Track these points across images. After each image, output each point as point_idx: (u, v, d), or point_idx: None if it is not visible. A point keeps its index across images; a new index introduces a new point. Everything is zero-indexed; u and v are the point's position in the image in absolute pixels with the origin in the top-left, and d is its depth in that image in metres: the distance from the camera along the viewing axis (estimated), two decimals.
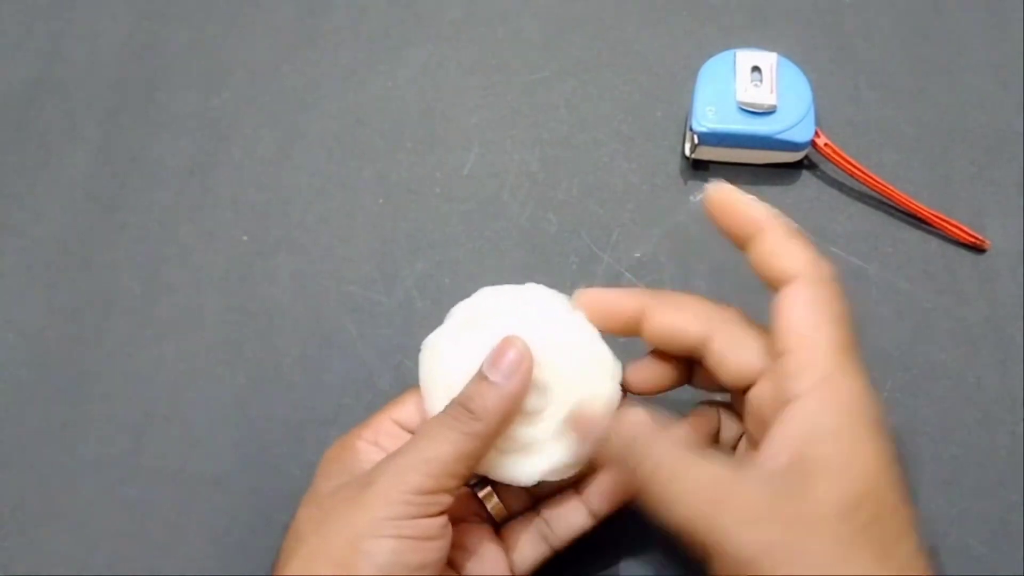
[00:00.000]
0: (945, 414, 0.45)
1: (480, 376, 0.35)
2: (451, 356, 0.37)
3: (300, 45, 0.58)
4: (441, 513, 0.33)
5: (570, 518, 0.38)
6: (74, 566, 0.42)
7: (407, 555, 0.32)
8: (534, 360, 0.36)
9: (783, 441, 0.31)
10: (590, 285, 0.48)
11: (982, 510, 0.42)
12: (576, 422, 0.36)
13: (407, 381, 0.46)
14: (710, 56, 0.53)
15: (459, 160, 0.53)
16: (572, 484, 0.38)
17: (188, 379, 0.47)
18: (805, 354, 0.31)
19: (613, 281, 0.49)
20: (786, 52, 0.53)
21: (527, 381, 0.35)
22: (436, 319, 0.39)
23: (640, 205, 0.51)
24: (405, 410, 0.38)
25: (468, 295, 0.40)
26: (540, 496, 0.39)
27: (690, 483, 0.31)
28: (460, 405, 0.35)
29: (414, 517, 0.32)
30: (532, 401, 0.36)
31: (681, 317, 0.36)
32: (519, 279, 0.49)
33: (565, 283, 0.49)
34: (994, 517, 0.42)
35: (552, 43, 0.58)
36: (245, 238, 0.51)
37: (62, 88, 0.57)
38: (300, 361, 0.47)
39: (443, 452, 0.33)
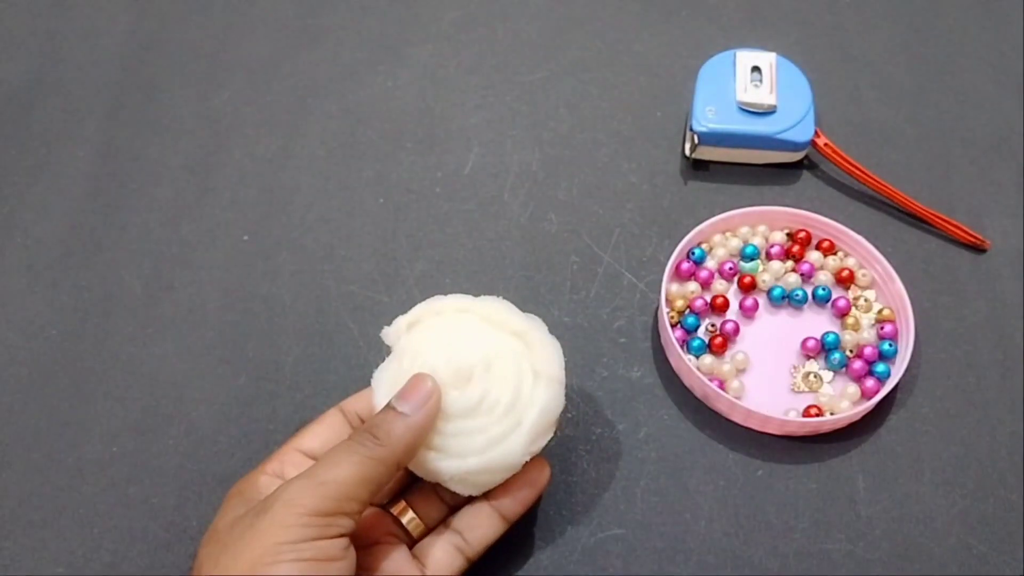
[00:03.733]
0: (945, 414, 0.45)
1: (388, 406, 0.36)
2: (389, 360, 0.39)
3: (300, 45, 0.58)
4: (342, 535, 0.33)
5: (483, 526, 0.38)
6: (76, 566, 0.42)
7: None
8: (473, 358, 0.37)
9: None
10: (590, 285, 0.49)
11: (982, 510, 0.42)
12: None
13: None
14: (710, 56, 0.53)
15: (459, 160, 0.53)
16: (482, 494, 0.38)
17: (189, 378, 0.47)
18: None
19: (613, 281, 0.49)
20: (786, 52, 0.53)
21: (433, 415, 0.36)
22: None
23: (640, 205, 0.51)
24: (310, 440, 0.38)
25: (469, 295, 0.40)
26: (454, 507, 0.39)
27: None
28: (365, 431, 0.35)
29: (313, 539, 0.32)
30: (464, 399, 0.36)
31: None
32: (519, 279, 0.49)
33: (565, 283, 0.49)
34: (994, 517, 0.42)
35: (552, 43, 0.58)
36: (246, 238, 0.51)
37: (63, 88, 0.57)
38: (301, 360, 0.47)
39: (342, 474, 0.33)
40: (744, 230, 0.49)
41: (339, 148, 0.54)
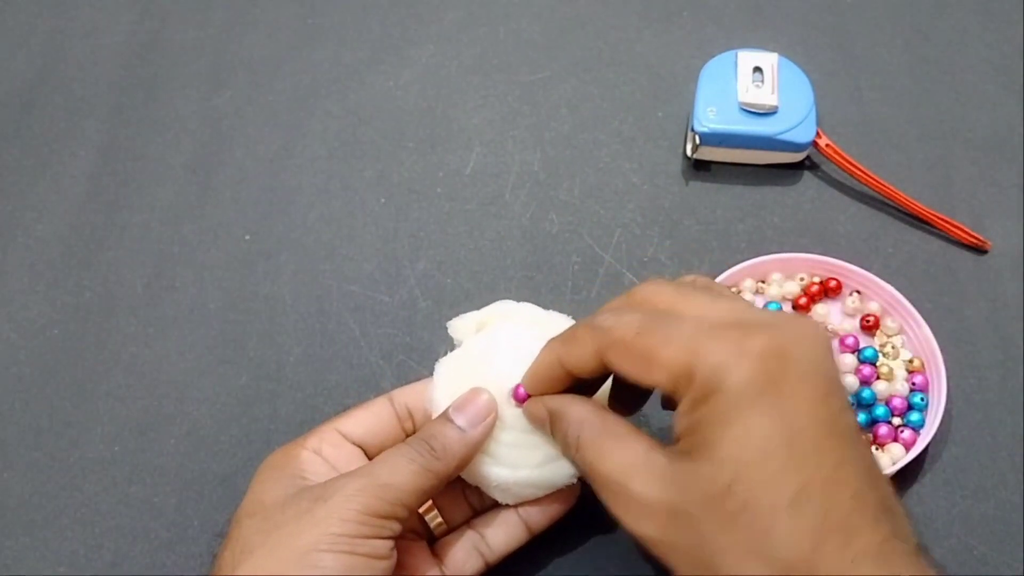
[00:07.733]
0: (945, 414, 0.45)
1: (445, 417, 0.36)
2: (455, 356, 0.39)
3: (301, 45, 0.58)
4: (390, 538, 0.34)
5: (507, 533, 0.38)
6: (77, 565, 0.42)
7: (358, 570, 0.32)
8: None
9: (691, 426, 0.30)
10: (591, 285, 0.49)
11: (982, 510, 0.42)
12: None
13: (409, 380, 0.46)
14: (711, 56, 0.53)
15: (461, 160, 0.53)
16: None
17: (191, 378, 0.47)
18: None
19: (614, 281, 0.49)
20: (787, 52, 0.53)
21: (489, 432, 0.36)
22: (438, 319, 0.40)
23: (641, 205, 0.51)
24: (352, 424, 0.39)
25: (470, 295, 0.41)
26: (478, 511, 0.40)
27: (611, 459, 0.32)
28: (423, 441, 0.35)
29: (366, 537, 0.33)
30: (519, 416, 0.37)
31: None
32: (521, 279, 0.49)
33: (566, 283, 0.49)
34: (994, 517, 0.42)
35: (553, 43, 0.58)
36: (247, 237, 0.51)
37: (64, 87, 0.57)
38: (302, 360, 0.47)
39: (401, 481, 0.34)
40: (776, 276, 0.48)
41: (340, 148, 0.54)
